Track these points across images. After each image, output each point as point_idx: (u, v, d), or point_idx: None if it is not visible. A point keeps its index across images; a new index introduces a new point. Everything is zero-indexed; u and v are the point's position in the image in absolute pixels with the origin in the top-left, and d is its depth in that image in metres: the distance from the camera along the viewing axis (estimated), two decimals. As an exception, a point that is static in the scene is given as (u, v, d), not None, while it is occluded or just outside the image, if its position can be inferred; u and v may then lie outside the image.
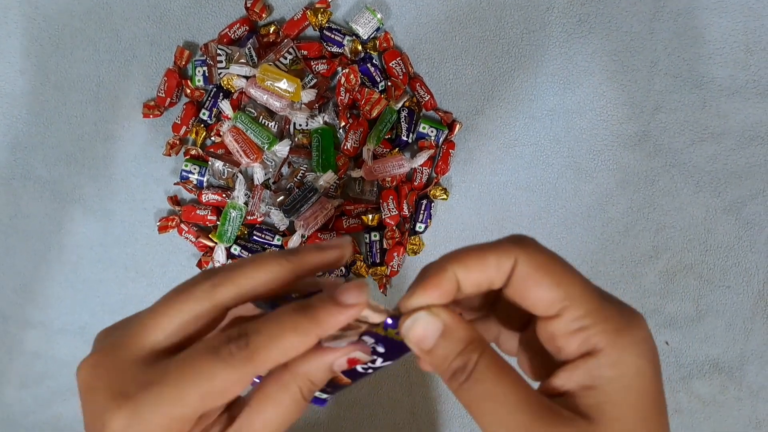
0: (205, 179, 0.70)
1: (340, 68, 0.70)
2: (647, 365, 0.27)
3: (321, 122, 0.69)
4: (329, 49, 0.71)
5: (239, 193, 0.68)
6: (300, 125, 0.70)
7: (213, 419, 0.30)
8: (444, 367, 0.28)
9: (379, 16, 0.69)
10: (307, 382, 0.29)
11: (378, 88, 0.70)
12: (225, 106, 0.69)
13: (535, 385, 0.29)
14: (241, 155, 0.68)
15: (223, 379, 0.26)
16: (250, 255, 0.70)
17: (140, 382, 0.27)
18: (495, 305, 0.34)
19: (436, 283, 0.28)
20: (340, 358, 0.29)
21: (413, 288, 0.29)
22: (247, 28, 0.71)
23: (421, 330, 0.28)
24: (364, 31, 0.69)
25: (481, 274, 0.28)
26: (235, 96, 0.70)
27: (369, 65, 0.70)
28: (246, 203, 0.69)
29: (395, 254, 0.70)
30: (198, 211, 0.70)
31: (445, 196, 0.71)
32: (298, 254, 0.29)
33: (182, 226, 0.71)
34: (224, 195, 0.70)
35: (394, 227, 0.70)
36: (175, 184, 0.71)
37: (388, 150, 0.70)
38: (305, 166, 0.70)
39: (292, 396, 0.29)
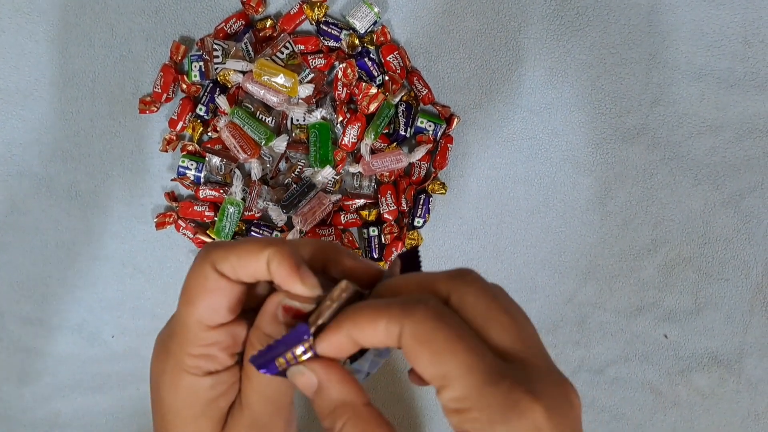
0: (202, 175, 0.70)
1: (337, 63, 0.70)
2: None
3: (318, 117, 0.69)
4: (326, 43, 0.70)
5: (237, 188, 0.68)
6: (297, 120, 0.70)
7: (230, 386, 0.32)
8: (321, 419, 0.29)
9: (376, 9, 0.69)
10: (263, 337, 0.30)
11: (375, 82, 0.70)
12: (222, 101, 0.68)
13: None
14: (238, 151, 0.68)
15: (192, 278, 0.30)
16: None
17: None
18: None
19: (328, 340, 0.28)
20: (278, 307, 0.30)
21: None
22: (244, 22, 0.70)
23: (301, 383, 0.29)
24: (361, 25, 0.69)
25: (374, 338, 0.27)
26: (231, 91, 0.70)
27: (366, 59, 0.69)
28: (243, 199, 0.69)
29: (394, 249, 0.70)
30: (195, 207, 0.70)
31: (443, 191, 0.71)
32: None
33: (180, 222, 0.70)
34: (222, 191, 0.70)
35: (393, 222, 0.70)
36: (172, 180, 0.71)
37: (386, 145, 0.70)
38: (303, 161, 0.70)
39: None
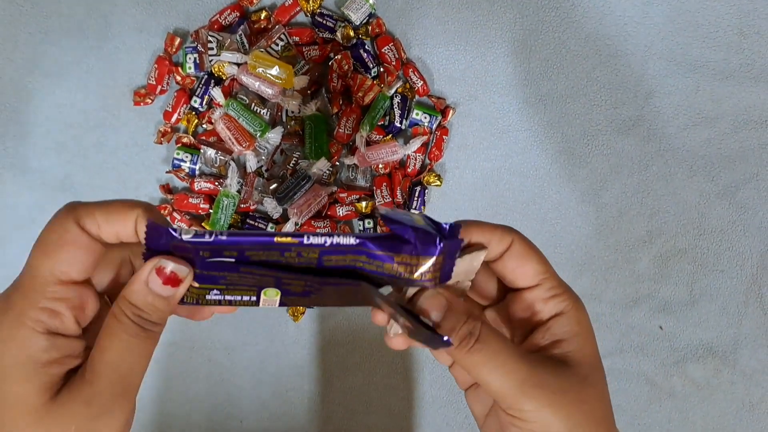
0: (197, 167, 0.70)
1: (332, 54, 0.70)
2: (592, 329, 0.35)
3: (313, 109, 0.69)
4: (321, 35, 0.70)
5: (232, 181, 0.68)
6: (292, 112, 0.69)
7: (75, 353, 0.30)
8: (453, 338, 0.32)
9: (371, 1, 0.69)
10: (129, 306, 0.30)
11: (370, 74, 0.70)
12: (216, 93, 0.68)
13: None
14: (233, 143, 0.67)
15: (52, 230, 0.29)
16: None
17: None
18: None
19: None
20: (149, 273, 0.29)
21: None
22: (238, 14, 0.70)
23: (432, 305, 0.32)
24: (356, 16, 0.69)
25: (494, 245, 0.34)
26: (226, 83, 0.69)
27: (361, 51, 0.69)
28: (239, 191, 0.69)
29: (389, 241, 0.70)
30: (190, 200, 0.69)
31: (438, 183, 0.71)
32: (150, 208, 0.31)
33: (175, 214, 0.70)
34: (217, 183, 0.69)
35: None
36: (167, 172, 0.70)
37: (381, 136, 0.70)
38: (298, 153, 0.70)
39: (123, 325, 0.30)
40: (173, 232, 0.29)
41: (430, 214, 0.72)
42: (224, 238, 0.29)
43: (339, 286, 0.32)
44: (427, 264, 0.30)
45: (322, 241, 0.29)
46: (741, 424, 0.73)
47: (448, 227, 0.31)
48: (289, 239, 0.29)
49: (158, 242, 0.29)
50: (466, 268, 0.33)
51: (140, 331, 0.30)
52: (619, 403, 0.73)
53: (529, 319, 0.35)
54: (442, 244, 0.30)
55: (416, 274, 0.30)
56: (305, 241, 0.29)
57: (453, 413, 0.73)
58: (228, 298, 0.32)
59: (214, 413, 0.73)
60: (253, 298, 0.32)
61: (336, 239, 0.29)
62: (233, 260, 0.30)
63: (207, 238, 0.29)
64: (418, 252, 0.30)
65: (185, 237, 0.29)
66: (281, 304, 0.33)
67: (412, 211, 0.34)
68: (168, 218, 0.71)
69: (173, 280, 0.30)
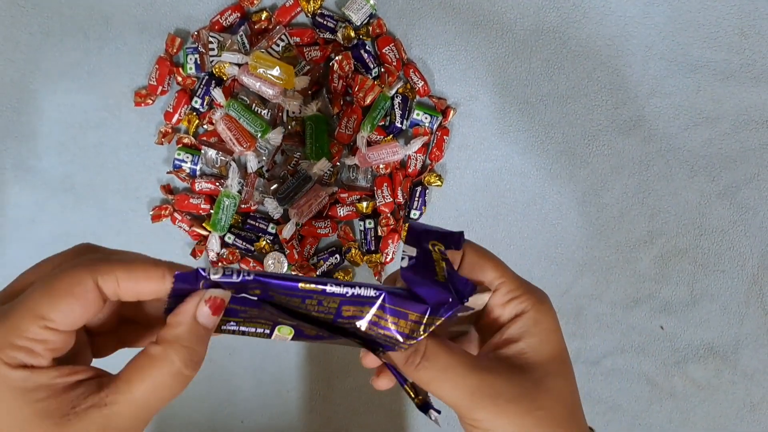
0: (198, 168, 0.70)
1: (333, 55, 0.70)
2: (557, 325, 0.35)
3: (314, 109, 0.69)
4: (322, 35, 0.70)
5: (233, 181, 0.68)
6: (293, 113, 0.69)
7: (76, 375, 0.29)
8: (399, 356, 0.33)
9: (371, 2, 0.69)
10: (181, 349, 0.30)
11: (371, 74, 0.70)
12: (217, 93, 0.68)
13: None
14: (234, 143, 0.68)
15: (67, 278, 0.29)
16: (244, 244, 0.70)
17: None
18: None
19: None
20: (197, 304, 0.30)
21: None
22: (239, 15, 0.70)
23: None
24: (356, 17, 0.69)
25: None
26: (227, 84, 0.70)
27: (362, 51, 0.69)
28: (239, 191, 0.69)
29: (390, 241, 0.70)
30: (191, 200, 0.70)
31: (439, 183, 0.71)
32: (173, 268, 0.31)
33: (176, 215, 0.70)
34: (217, 183, 0.69)
35: (389, 214, 0.70)
36: (168, 172, 0.71)
37: (382, 137, 0.70)
38: (299, 153, 0.70)
39: (174, 366, 0.30)
40: (202, 272, 0.30)
41: (430, 214, 0.72)
42: (250, 278, 0.30)
43: (350, 340, 0.34)
44: (438, 323, 0.32)
45: (344, 291, 0.31)
46: (742, 424, 0.73)
47: (460, 284, 0.32)
48: (312, 286, 0.31)
49: (186, 284, 0.30)
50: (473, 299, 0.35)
51: (187, 374, 0.30)
52: (620, 403, 0.73)
53: (491, 325, 0.35)
54: (453, 311, 0.31)
55: (426, 333, 0.32)
56: (327, 289, 0.31)
57: (452, 413, 0.73)
58: (243, 329, 0.33)
59: (215, 413, 0.73)
60: (267, 332, 0.33)
61: (357, 290, 0.31)
62: (256, 298, 0.31)
63: (234, 278, 0.30)
64: (432, 314, 0.32)
65: (213, 277, 0.30)
66: (293, 340, 0.34)
67: (432, 237, 0.34)
68: (170, 218, 0.71)
69: (219, 307, 0.31)
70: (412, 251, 0.34)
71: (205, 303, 0.30)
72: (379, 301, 0.32)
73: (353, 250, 0.71)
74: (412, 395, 0.34)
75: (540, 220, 0.72)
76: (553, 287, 0.72)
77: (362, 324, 0.32)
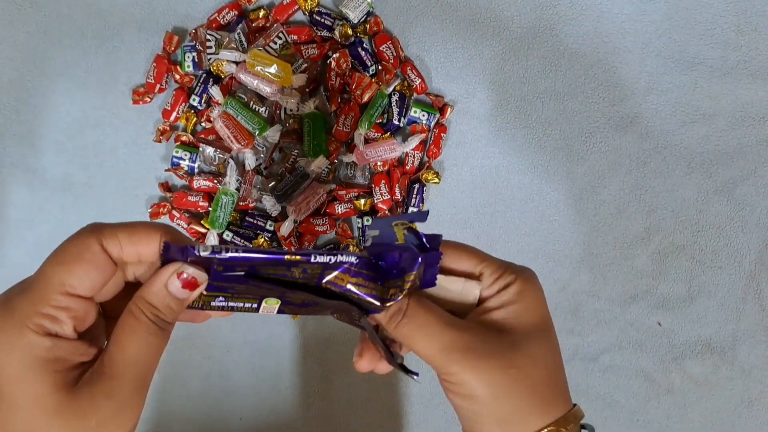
0: (196, 165, 0.70)
1: (330, 53, 0.70)
2: (540, 295, 0.36)
3: (312, 107, 0.69)
4: (319, 33, 0.70)
5: (231, 178, 0.68)
6: (291, 110, 0.70)
7: (83, 355, 0.31)
8: (383, 316, 0.34)
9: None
10: (148, 306, 0.32)
11: (369, 72, 0.70)
12: (215, 91, 0.68)
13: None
14: (232, 141, 0.68)
15: (74, 245, 0.31)
16: (241, 240, 0.70)
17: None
18: None
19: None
20: (170, 276, 0.32)
21: None
22: (236, 12, 0.70)
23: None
24: (354, 15, 0.69)
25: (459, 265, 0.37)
26: (225, 81, 0.70)
27: (359, 49, 0.70)
28: (238, 189, 0.69)
29: (388, 239, 0.70)
30: (189, 198, 0.70)
31: (437, 180, 0.71)
32: (172, 232, 0.33)
33: (174, 212, 0.70)
34: (216, 181, 0.70)
35: (387, 211, 0.70)
36: (166, 170, 0.71)
37: (379, 134, 0.70)
38: (296, 151, 0.70)
39: (142, 323, 0.32)
40: (192, 249, 0.31)
41: (428, 211, 0.72)
42: (238, 254, 0.31)
43: (334, 302, 0.35)
44: (410, 279, 0.33)
45: (327, 259, 0.33)
46: (739, 420, 0.73)
47: (426, 239, 0.34)
48: (297, 257, 0.32)
49: (176, 257, 0.32)
50: (458, 289, 0.36)
51: (157, 330, 0.32)
52: (618, 400, 0.74)
53: (483, 306, 0.37)
54: (420, 259, 0.33)
55: (405, 291, 0.33)
56: (312, 259, 0.32)
57: (451, 410, 0.73)
58: (231, 304, 0.34)
59: (213, 410, 0.73)
60: (254, 306, 0.35)
61: (338, 258, 0.33)
62: (243, 273, 0.32)
63: (223, 254, 0.31)
64: (404, 271, 0.33)
65: (203, 253, 0.31)
66: (279, 311, 0.35)
67: (395, 221, 0.35)
68: (176, 225, 0.71)
69: (191, 284, 0.32)
70: (375, 233, 0.36)
71: (177, 276, 0.32)
72: (356, 268, 0.34)
73: (351, 247, 0.71)
74: (391, 357, 0.36)
75: (537, 216, 0.73)
76: (551, 284, 0.72)
77: (344, 289, 0.34)
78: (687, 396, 0.73)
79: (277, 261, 0.32)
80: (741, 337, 0.73)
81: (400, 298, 0.34)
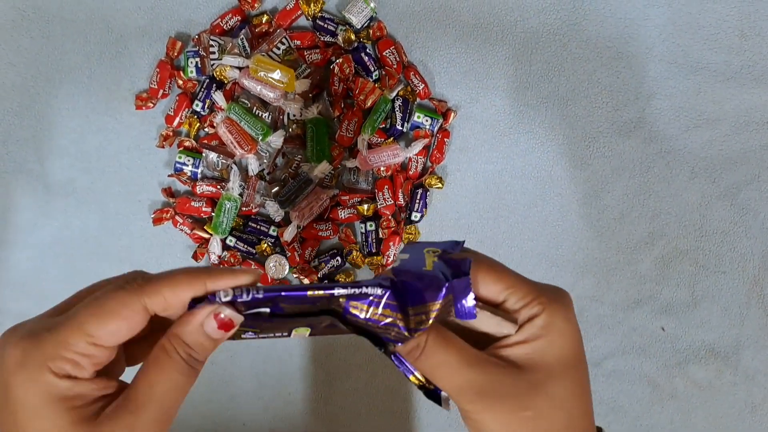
0: (199, 171, 0.70)
1: (333, 58, 0.70)
2: (570, 328, 0.34)
3: (315, 112, 0.69)
4: (322, 38, 0.70)
5: (234, 184, 0.68)
6: (294, 115, 0.70)
7: (108, 386, 0.32)
8: (402, 349, 0.34)
9: (372, 5, 0.69)
10: (182, 344, 0.32)
11: (372, 77, 0.70)
12: (218, 97, 0.68)
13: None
14: (235, 146, 0.68)
15: (115, 300, 0.31)
16: (244, 245, 0.70)
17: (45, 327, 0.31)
18: None
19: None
20: (206, 317, 0.32)
21: None
22: (240, 18, 0.70)
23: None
24: (357, 20, 0.69)
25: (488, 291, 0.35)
26: (228, 87, 0.70)
27: (363, 54, 0.69)
28: (241, 194, 0.69)
29: (391, 244, 0.70)
30: (192, 203, 0.70)
31: (440, 185, 0.71)
32: (212, 275, 0.33)
33: (177, 218, 0.70)
34: (219, 186, 0.70)
35: (390, 217, 0.70)
36: (169, 176, 0.71)
37: (382, 139, 0.70)
38: (300, 156, 0.70)
39: (174, 361, 0.32)
40: (212, 298, 0.32)
41: (431, 216, 0.72)
42: (260, 295, 0.32)
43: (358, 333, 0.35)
44: (436, 309, 0.32)
45: (351, 292, 0.32)
46: (743, 425, 0.73)
47: (453, 264, 0.33)
48: (320, 293, 0.32)
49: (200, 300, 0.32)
50: (491, 327, 0.34)
51: (188, 369, 0.32)
52: (621, 405, 0.74)
53: (507, 339, 0.35)
54: (445, 289, 0.32)
55: (430, 322, 0.32)
56: (335, 293, 0.32)
57: (455, 415, 0.73)
58: (262, 335, 0.35)
59: (217, 416, 0.73)
60: (285, 334, 0.35)
61: (363, 289, 0.32)
62: (268, 311, 0.33)
63: (244, 297, 0.31)
64: (426, 299, 0.32)
65: (224, 299, 0.31)
66: (310, 335, 0.36)
67: (428, 247, 0.35)
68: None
69: (227, 325, 0.32)
70: (405, 256, 0.35)
71: (214, 317, 0.32)
72: (384, 300, 0.33)
73: (354, 253, 0.71)
74: (422, 383, 0.35)
75: (541, 221, 0.72)
76: (554, 289, 0.72)
77: (370, 321, 0.33)
78: (690, 401, 0.73)
79: (300, 297, 0.32)
80: (744, 342, 0.73)
81: (425, 328, 0.32)
